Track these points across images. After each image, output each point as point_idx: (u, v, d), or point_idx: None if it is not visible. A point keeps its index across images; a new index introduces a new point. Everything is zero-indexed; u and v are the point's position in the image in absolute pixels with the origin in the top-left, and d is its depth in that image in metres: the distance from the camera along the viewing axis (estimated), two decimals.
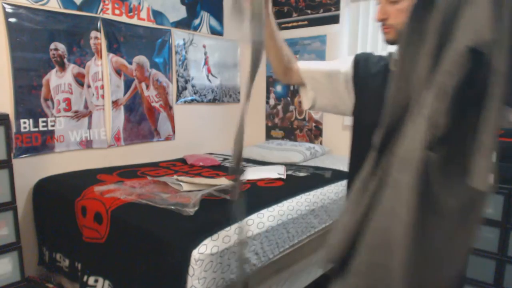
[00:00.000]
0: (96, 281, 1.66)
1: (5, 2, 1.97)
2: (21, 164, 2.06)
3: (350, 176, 1.14)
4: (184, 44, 2.97)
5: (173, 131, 2.94)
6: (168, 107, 2.89)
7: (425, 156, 0.63)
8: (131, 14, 2.58)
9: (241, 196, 0.94)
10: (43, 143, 2.17)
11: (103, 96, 2.45)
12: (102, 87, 2.44)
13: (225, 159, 2.84)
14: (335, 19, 3.05)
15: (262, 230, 1.58)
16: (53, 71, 2.19)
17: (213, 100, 3.28)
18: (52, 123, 2.21)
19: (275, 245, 1.66)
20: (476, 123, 0.66)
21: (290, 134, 3.43)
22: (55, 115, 2.22)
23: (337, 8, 3.02)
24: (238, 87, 3.54)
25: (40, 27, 2.11)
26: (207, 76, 3.21)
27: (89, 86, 2.37)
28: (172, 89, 2.92)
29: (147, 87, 2.73)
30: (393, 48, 1.04)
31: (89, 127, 2.40)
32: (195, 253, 1.32)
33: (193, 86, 3.08)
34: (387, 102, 0.71)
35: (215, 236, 1.42)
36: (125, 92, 2.59)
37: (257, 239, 1.55)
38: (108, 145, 2.51)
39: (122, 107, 2.57)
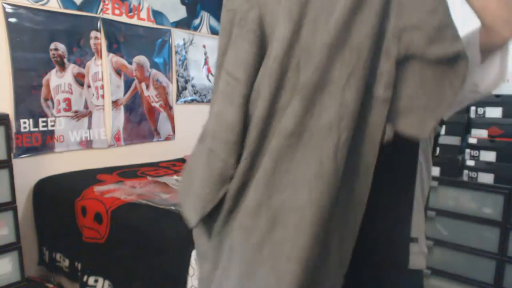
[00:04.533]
0: (96, 281, 1.66)
1: (5, 2, 1.97)
2: (21, 164, 2.06)
3: None
4: (184, 44, 2.97)
5: (173, 131, 2.94)
6: (168, 107, 2.89)
7: None
8: (131, 14, 2.58)
9: None
10: (43, 143, 2.17)
11: (103, 96, 2.45)
12: (102, 87, 2.44)
13: None
14: None
15: None
16: (53, 71, 2.19)
17: None
18: (52, 123, 2.21)
19: None
20: None
21: None
22: (55, 115, 2.22)
23: None
24: None
25: (40, 27, 2.11)
26: (207, 76, 3.21)
27: (89, 86, 2.37)
28: (172, 89, 2.92)
29: (147, 87, 2.73)
30: None
31: (89, 127, 2.39)
32: (195, 253, 1.32)
33: (193, 86, 3.08)
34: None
35: None
36: (125, 92, 2.59)
37: None
38: (108, 145, 2.51)
39: (122, 107, 2.57)
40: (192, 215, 0.74)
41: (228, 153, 0.70)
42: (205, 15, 3.13)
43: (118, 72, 2.53)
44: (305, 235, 0.62)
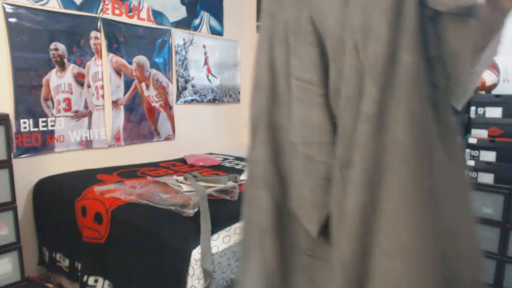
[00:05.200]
0: (96, 281, 1.66)
1: (5, 2, 1.97)
2: (21, 164, 2.06)
3: None
4: (184, 44, 2.97)
5: (173, 131, 2.94)
6: (168, 107, 2.89)
7: None
8: (131, 14, 2.58)
9: None
10: (43, 143, 2.17)
11: (103, 96, 2.45)
12: (102, 87, 2.44)
13: (225, 159, 2.84)
14: None
15: None
16: (53, 71, 2.19)
17: (213, 100, 3.28)
18: (52, 123, 2.21)
19: None
20: None
21: None
22: (55, 115, 2.22)
23: None
24: (238, 87, 3.54)
25: (40, 27, 2.11)
26: (207, 76, 3.21)
27: (89, 86, 2.37)
28: (172, 89, 2.92)
29: (147, 87, 2.73)
30: None
31: (89, 127, 2.39)
32: (195, 253, 1.32)
33: (193, 86, 3.08)
34: None
35: (215, 236, 1.42)
36: (125, 92, 2.59)
37: None
38: (108, 145, 2.51)
39: (122, 107, 2.57)
40: (311, 225, 0.72)
41: (326, 154, 0.69)
42: (205, 15, 3.13)
43: (118, 72, 2.53)
44: (405, 222, 0.58)
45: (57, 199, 1.98)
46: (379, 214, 0.60)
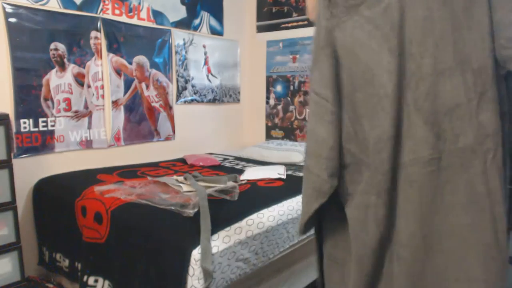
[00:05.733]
0: (96, 281, 1.66)
1: (5, 2, 1.97)
2: (21, 164, 2.06)
3: None
4: (184, 44, 2.97)
5: (173, 131, 2.94)
6: (168, 107, 2.89)
7: None
8: (131, 14, 2.58)
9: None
10: (43, 143, 2.17)
11: (103, 96, 2.45)
12: (102, 87, 2.44)
13: (225, 159, 2.84)
14: None
15: (262, 230, 1.58)
16: (53, 71, 2.19)
17: (213, 100, 3.28)
18: (52, 123, 2.21)
19: (275, 245, 1.66)
20: None
21: (290, 134, 3.43)
22: (55, 115, 2.22)
23: None
24: (238, 87, 3.54)
25: (40, 27, 2.11)
26: (207, 76, 3.21)
27: (89, 86, 2.37)
28: (172, 89, 2.92)
29: (147, 87, 2.73)
30: None
31: (89, 127, 2.40)
32: (195, 253, 1.32)
33: (193, 86, 3.08)
34: None
35: (215, 236, 1.42)
36: (125, 92, 2.59)
37: (257, 239, 1.55)
38: (108, 145, 2.51)
39: (122, 107, 2.57)
40: (299, 226, 0.78)
41: (320, 167, 0.72)
42: (205, 15, 3.13)
43: (118, 72, 2.53)
44: (470, 256, 0.63)
45: (57, 199, 1.98)
46: (435, 247, 0.66)
